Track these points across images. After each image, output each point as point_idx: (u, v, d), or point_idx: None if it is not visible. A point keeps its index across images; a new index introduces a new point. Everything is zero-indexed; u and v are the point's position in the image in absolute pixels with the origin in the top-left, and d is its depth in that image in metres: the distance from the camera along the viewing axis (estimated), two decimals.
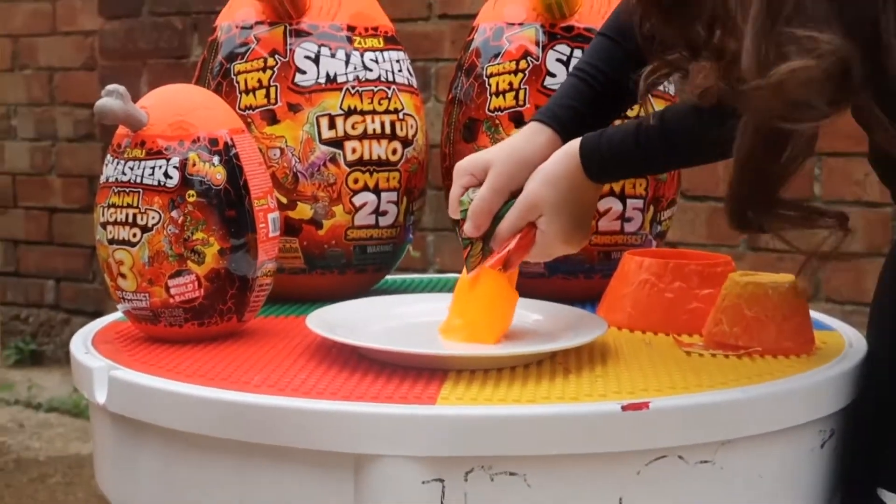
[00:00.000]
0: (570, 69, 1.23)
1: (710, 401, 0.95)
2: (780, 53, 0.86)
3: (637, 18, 1.05)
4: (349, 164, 1.33)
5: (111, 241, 1.13)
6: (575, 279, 1.37)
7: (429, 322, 1.14)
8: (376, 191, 1.35)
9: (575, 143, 1.12)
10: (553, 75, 1.33)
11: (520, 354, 1.04)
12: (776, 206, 0.98)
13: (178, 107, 1.14)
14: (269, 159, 1.31)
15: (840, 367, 1.07)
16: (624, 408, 0.91)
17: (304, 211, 1.33)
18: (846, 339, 1.19)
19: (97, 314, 3.85)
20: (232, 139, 1.13)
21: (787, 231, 1.01)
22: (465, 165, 1.17)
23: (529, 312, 1.19)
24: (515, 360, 1.03)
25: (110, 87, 1.11)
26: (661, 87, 1.36)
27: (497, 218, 1.13)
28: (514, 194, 1.13)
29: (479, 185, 1.14)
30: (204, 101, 1.17)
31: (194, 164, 1.11)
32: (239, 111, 1.31)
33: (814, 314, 1.23)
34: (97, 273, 4.10)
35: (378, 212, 1.36)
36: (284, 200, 1.32)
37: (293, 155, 1.31)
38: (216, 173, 1.11)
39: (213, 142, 1.12)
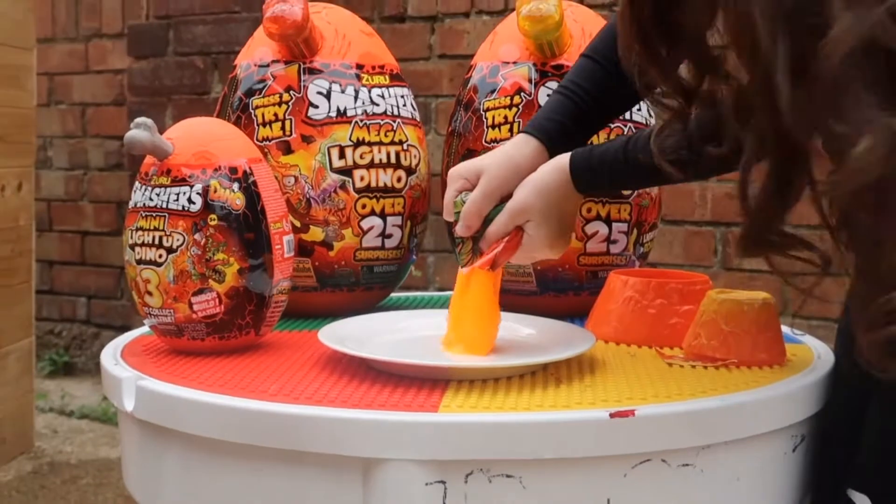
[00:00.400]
0: (557, 87, 1.23)
1: (691, 408, 0.94)
2: None
3: (624, 55, 1.04)
4: (358, 191, 1.32)
5: (139, 262, 1.12)
6: (564, 296, 1.36)
7: (429, 336, 1.14)
8: (382, 215, 1.34)
9: (564, 158, 1.13)
10: None
11: (514, 366, 1.03)
12: (778, 238, 0.94)
13: (200, 138, 1.13)
14: (284, 186, 1.30)
15: (810, 376, 1.06)
16: (612, 415, 0.91)
17: (316, 234, 1.32)
18: (814, 351, 1.18)
19: (125, 328, 3.85)
20: (250, 167, 1.13)
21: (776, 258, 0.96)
22: (458, 171, 1.18)
23: (523, 327, 1.18)
24: (511, 370, 1.02)
25: (139, 119, 1.10)
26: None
27: (487, 220, 1.14)
28: (504, 199, 1.14)
29: (472, 189, 1.15)
30: (224, 133, 1.16)
31: (216, 191, 1.10)
32: (257, 142, 1.30)
33: (784, 329, 1.22)
34: (125, 291, 4.09)
35: (384, 235, 1.35)
36: (298, 224, 1.31)
37: (306, 182, 1.31)
38: (236, 199, 1.11)
39: (233, 170, 1.12)
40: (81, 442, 3.32)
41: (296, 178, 1.31)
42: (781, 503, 1.04)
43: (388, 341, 1.12)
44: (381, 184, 1.34)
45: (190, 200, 1.10)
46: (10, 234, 2.99)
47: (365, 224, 1.33)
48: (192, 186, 1.10)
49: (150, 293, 1.12)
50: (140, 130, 1.10)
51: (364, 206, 1.33)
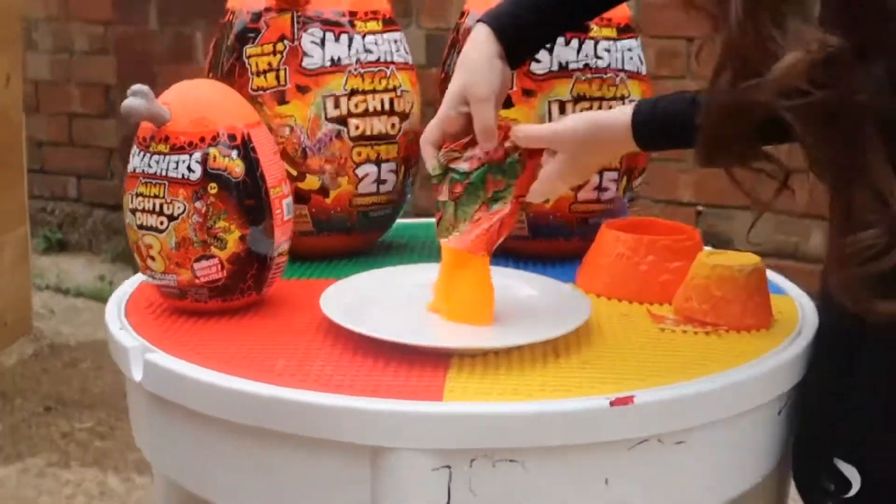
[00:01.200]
0: None
1: (687, 392, 0.91)
2: None
3: None
4: (353, 140, 1.26)
5: (140, 227, 1.07)
6: (555, 241, 1.32)
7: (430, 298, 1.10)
8: (377, 162, 1.29)
9: (629, 108, 1.04)
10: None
11: (515, 346, 0.98)
12: (738, 148, 0.91)
13: (197, 103, 1.07)
14: (279, 136, 1.24)
15: (797, 344, 1.03)
16: (612, 403, 0.88)
17: (312, 182, 1.26)
18: (799, 308, 1.15)
19: (116, 207, 3.78)
20: (248, 134, 1.07)
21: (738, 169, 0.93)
22: (425, 136, 1.11)
23: (517, 285, 1.13)
24: (510, 349, 0.98)
25: (135, 87, 1.03)
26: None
27: (470, 184, 1.07)
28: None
29: (448, 139, 1.09)
30: (221, 97, 1.09)
31: (215, 159, 1.04)
32: (251, 91, 1.23)
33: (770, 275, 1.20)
34: (115, 171, 4.01)
35: (379, 181, 1.30)
36: (294, 173, 1.25)
37: (302, 132, 1.24)
38: (235, 166, 1.05)
39: (232, 137, 1.05)
40: (79, 323, 3.30)
41: (291, 128, 1.24)
42: (769, 460, 1.04)
43: (390, 309, 1.08)
44: (375, 131, 1.27)
45: (189, 169, 1.04)
46: (1, 128, 2.90)
47: (360, 171, 1.28)
48: (191, 154, 1.04)
49: (152, 258, 1.07)
50: (137, 99, 1.03)
51: (359, 154, 1.27)
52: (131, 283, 1.22)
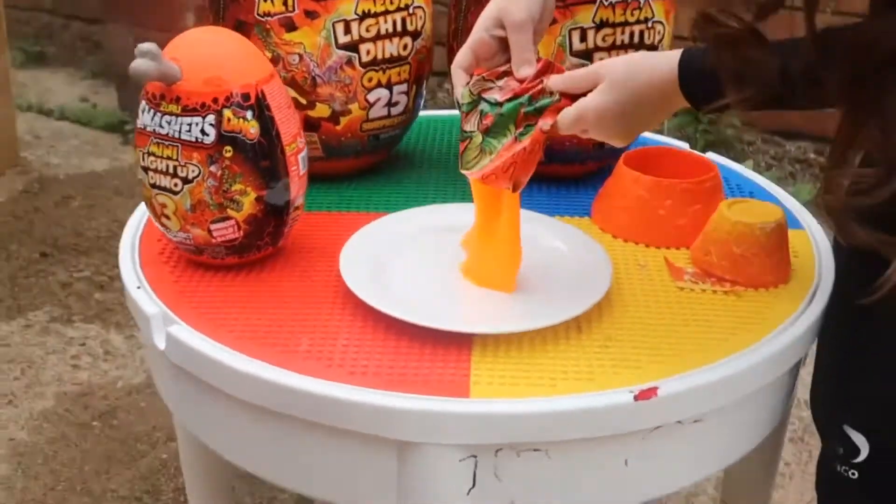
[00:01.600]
0: None
1: (710, 379, 0.93)
2: None
3: None
4: (364, 66, 1.22)
5: (153, 186, 1.05)
6: (570, 165, 1.31)
7: (452, 260, 1.09)
8: (389, 86, 1.25)
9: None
10: None
11: (536, 329, 0.99)
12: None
13: (208, 59, 1.03)
14: (288, 64, 1.20)
15: (814, 308, 1.05)
16: (636, 397, 0.90)
17: (322, 110, 1.23)
18: (815, 254, 1.16)
19: (95, 21, 3.67)
20: (262, 91, 1.03)
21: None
22: (457, 60, 1.05)
23: (542, 236, 1.13)
24: (533, 332, 0.99)
25: (143, 47, 0.99)
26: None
27: (500, 116, 1.00)
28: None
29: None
30: (233, 50, 1.05)
31: (229, 121, 1.01)
32: (257, 17, 1.19)
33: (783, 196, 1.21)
34: None
35: (390, 104, 1.27)
36: (304, 101, 1.22)
37: (311, 60, 1.20)
38: (250, 128, 1.02)
39: (245, 97, 1.02)
40: (66, 152, 3.27)
41: (300, 56, 1.20)
42: (776, 418, 1.07)
43: (414, 271, 1.08)
44: (387, 55, 1.23)
45: (203, 132, 1.01)
46: None
47: (371, 97, 1.24)
48: (204, 117, 1.01)
49: (167, 217, 1.06)
50: (145, 60, 0.99)
51: (370, 80, 1.23)
52: (139, 216, 1.21)
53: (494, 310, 1.03)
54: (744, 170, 1.40)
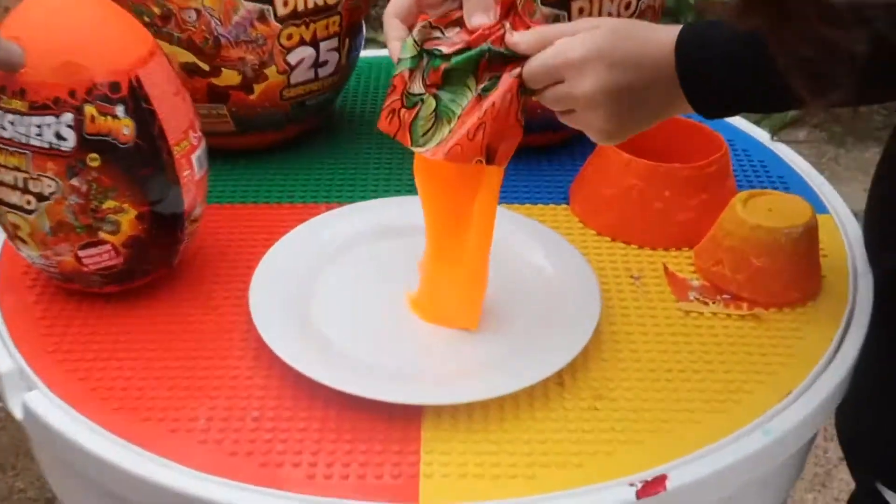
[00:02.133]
0: None
1: (726, 463, 0.73)
2: None
3: None
4: (280, 20, 0.97)
5: (1, 203, 0.81)
6: (542, 134, 1.07)
7: (395, 293, 0.86)
8: (314, 43, 1.00)
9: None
10: None
11: (507, 394, 0.76)
12: None
13: (62, 37, 0.77)
14: (182, 22, 0.95)
15: (849, 345, 0.84)
16: (639, 493, 0.70)
17: (230, 77, 0.99)
18: (846, 244, 0.95)
19: None
20: (138, 78, 0.78)
21: None
22: (391, 7, 0.78)
23: (504, 239, 0.89)
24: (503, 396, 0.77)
25: None
26: None
27: (453, 70, 0.75)
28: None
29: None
30: (96, 24, 0.79)
31: (93, 120, 0.77)
32: None
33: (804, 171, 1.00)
34: None
35: (317, 64, 1.02)
36: (206, 68, 0.97)
37: (212, 16, 0.95)
38: (122, 127, 0.78)
39: (115, 87, 0.77)
40: None
41: (198, 12, 0.95)
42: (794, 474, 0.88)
43: (346, 307, 0.85)
44: (310, 5, 0.98)
45: (59, 136, 0.77)
46: None
47: (292, 58, 1.00)
48: (58, 116, 0.76)
49: (22, 240, 0.82)
50: None
51: (290, 38, 0.98)
52: None
53: (453, 363, 0.80)
54: (752, 128, 1.17)
